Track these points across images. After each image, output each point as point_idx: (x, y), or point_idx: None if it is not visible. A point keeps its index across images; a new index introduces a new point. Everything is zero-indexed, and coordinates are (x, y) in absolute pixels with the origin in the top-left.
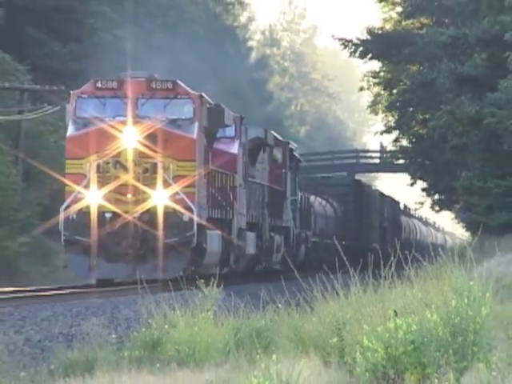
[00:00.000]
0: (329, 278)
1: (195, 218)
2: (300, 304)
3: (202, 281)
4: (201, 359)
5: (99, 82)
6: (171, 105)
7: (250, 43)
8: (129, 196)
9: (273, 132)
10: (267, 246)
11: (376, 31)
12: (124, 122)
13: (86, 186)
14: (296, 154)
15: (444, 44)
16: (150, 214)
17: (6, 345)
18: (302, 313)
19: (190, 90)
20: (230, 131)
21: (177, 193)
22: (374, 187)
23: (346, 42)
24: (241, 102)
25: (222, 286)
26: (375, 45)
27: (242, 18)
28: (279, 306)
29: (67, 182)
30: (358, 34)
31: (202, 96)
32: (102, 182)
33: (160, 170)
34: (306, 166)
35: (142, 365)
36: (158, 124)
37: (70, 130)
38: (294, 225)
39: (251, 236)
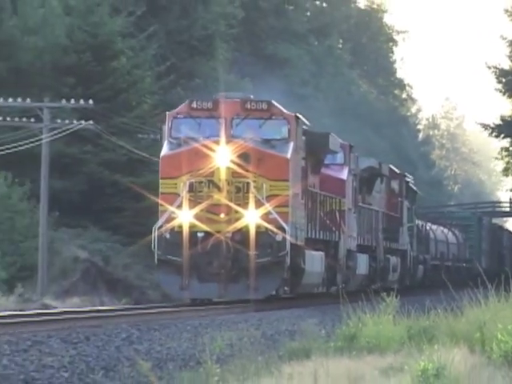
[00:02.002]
0: (457, 292)
1: (288, 238)
2: (453, 309)
3: (385, 293)
4: (384, 348)
5: (194, 103)
6: (266, 125)
7: (418, 127)
8: (222, 215)
9: (390, 166)
10: (382, 267)
11: (507, 118)
12: (217, 142)
13: (179, 206)
14: (412, 185)
15: None
16: (242, 233)
17: (248, 338)
18: (454, 316)
19: (284, 111)
20: (340, 158)
21: (269, 212)
22: (493, 221)
23: (485, 126)
24: (412, 168)
25: (398, 297)
26: (506, 128)
27: (413, 110)
28: (439, 311)
29: (161, 201)
30: (494, 119)
31: (297, 117)
32: (195, 201)
33: (253, 190)
34: (420, 195)
35: (343, 352)
36: (251, 143)
37: (164, 150)
38: (411, 248)
39: (363, 257)
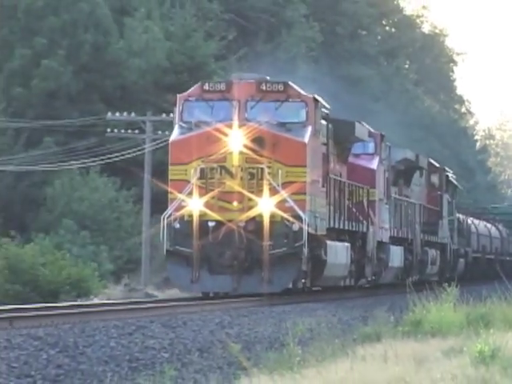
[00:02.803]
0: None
1: (305, 228)
2: (506, 298)
3: (446, 284)
4: (445, 332)
5: (207, 85)
6: (282, 108)
7: (476, 137)
8: (234, 204)
9: (431, 160)
10: (419, 260)
11: None
12: (230, 125)
13: (190, 194)
14: (453, 179)
15: None
16: (256, 222)
17: (326, 323)
18: (508, 303)
19: (302, 93)
20: (371, 148)
21: (285, 200)
22: None
23: None
24: (470, 174)
25: (458, 286)
26: None
27: (471, 122)
28: (494, 299)
29: (170, 189)
30: None
31: (315, 99)
32: (206, 188)
33: (267, 176)
34: (462, 189)
35: (410, 336)
36: (265, 127)
37: (174, 135)
38: (452, 241)
39: (396, 250)
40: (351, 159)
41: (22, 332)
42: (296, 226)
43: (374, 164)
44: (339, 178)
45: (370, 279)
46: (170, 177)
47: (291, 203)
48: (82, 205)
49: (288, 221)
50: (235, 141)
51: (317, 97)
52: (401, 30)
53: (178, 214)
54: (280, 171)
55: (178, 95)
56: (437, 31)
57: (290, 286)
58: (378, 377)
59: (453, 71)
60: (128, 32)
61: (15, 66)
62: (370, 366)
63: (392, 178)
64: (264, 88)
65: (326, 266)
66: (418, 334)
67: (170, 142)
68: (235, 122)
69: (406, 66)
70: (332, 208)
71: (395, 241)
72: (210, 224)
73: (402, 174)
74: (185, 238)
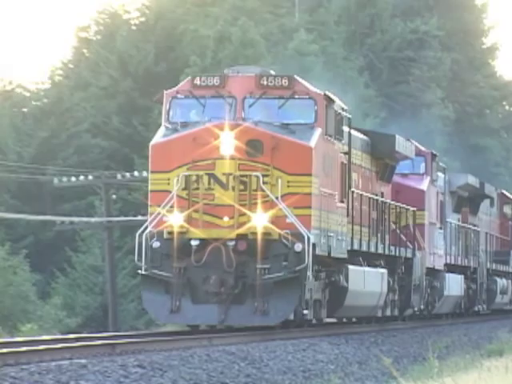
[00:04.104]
0: None
1: (309, 248)
2: None
3: None
4: None
5: (198, 79)
6: (287, 106)
7: None
8: (225, 219)
9: (503, 191)
10: (486, 289)
11: None
12: (220, 126)
13: (172, 206)
14: None
15: None
16: (249, 241)
17: (459, 342)
18: None
19: (311, 88)
20: (420, 167)
21: (285, 216)
22: None
23: None
24: None
25: None
26: None
27: None
28: None
29: (150, 201)
30: None
31: (327, 96)
32: (189, 200)
33: (262, 186)
34: None
35: None
36: (264, 128)
37: (156, 137)
38: None
39: (454, 278)
40: (398, 179)
41: (219, 348)
42: (299, 246)
43: (423, 185)
44: (372, 196)
45: (417, 309)
46: (149, 187)
47: (292, 219)
48: None
49: (287, 239)
50: (226, 144)
51: (329, 93)
52: None
53: (156, 230)
54: (280, 180)
55: (164, 91)
56: None
57: (292, 317)
58: (501, 383)
59: None
60: None
61: None
62: (495, 375)
63: (454, 204)
64: (265, 83)
65: (348, 294)
66: None
67: (150, 145)
68: (227, 122)
69: None
70: (358, 228)
71: (453, 268)
72: (194, 243)
73: (467, 201)
74: (164, 259)
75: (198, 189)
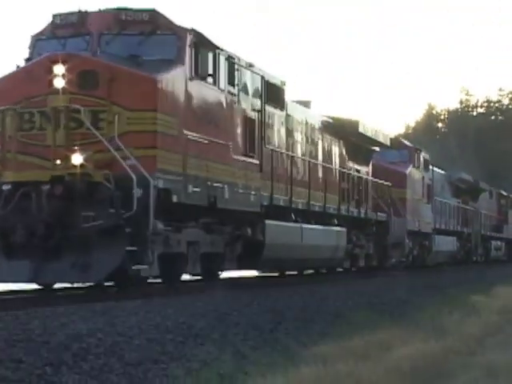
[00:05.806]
0: None
1: (152, 193)
2: None
3: None
4: None
5: (58, 18)
6: (147, 42)
7: None
8: (57, 162)
9: (501, 191)
10: (483, 247)
11: None
12: (53, 59)
13: None
14: None
15: None
16: (66, 184)
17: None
18: None
19: (175, 23)
20: (405, 157)
21: (126, 157)
22: None
23: None
24: None
25: None
26: None
27: None
28: None
29: None
30: None
31: (195, 32)
32: (3, 138)
33: (85, 121)
34: None
35: None
36: (102, 59)
37: None
38: None
39: (445, 239)
40: (387, 165)
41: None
42: (138, 191)
43: (406, 169)
44: (313, 161)
45: (394, 260)
46: None
47: (133, 160)
48: None
49: (110, 182)
50: (57, 77)
51: (197, 29)
52: None
53: None
54: (117, 117)
55: (30, 35)
56: None
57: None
58: None
59: None
60: None
61: None
62: None
63: (452, 191)
64: (123, 18)
65: (266, 248)
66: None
67: None
68: (60, 54)
69: None
70: (283, 186)
71: (443, 232)
72: (5, 188)
73: (465, 191)
74: None
75: (31, 127)
